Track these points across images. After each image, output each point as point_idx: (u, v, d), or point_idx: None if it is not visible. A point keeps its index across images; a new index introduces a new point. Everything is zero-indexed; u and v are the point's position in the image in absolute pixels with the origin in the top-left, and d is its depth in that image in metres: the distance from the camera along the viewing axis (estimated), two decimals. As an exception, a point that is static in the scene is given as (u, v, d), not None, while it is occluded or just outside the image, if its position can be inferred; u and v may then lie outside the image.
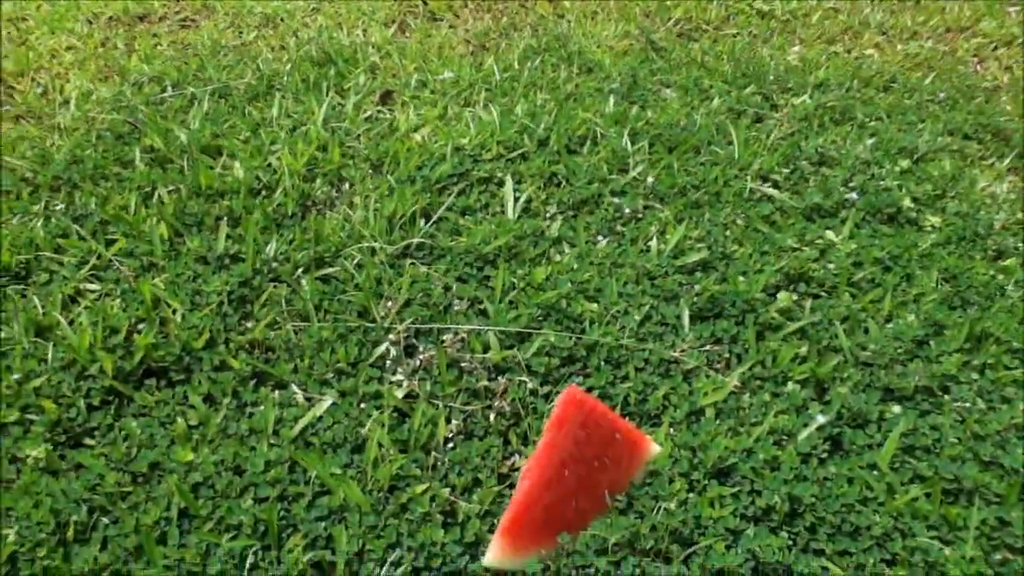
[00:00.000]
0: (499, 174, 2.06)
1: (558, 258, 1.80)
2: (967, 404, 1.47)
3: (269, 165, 2.06)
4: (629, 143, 2.17)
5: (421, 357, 1.54)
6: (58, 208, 1.87)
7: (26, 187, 1.96)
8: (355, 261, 1.76)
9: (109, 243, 1.79)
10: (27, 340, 1.53)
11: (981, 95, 2.62)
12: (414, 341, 1.58)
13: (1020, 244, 1.88)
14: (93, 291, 1.67)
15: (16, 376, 1.45)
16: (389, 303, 1.64)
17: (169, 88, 2.42)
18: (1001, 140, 2.37)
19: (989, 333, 1.62)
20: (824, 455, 1.38)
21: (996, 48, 3.03)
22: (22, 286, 1.68)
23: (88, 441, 1.40)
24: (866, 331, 1.63)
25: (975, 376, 1.53)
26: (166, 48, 2.72)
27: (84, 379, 1.47)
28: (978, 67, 2.91)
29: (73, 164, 2.03)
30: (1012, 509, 1.29)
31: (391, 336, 1.57)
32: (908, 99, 2.57)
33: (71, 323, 1.57)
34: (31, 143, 2.13)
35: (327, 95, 2.40)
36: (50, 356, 1.49)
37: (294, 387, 1.49)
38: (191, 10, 3.02)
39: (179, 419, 1.40)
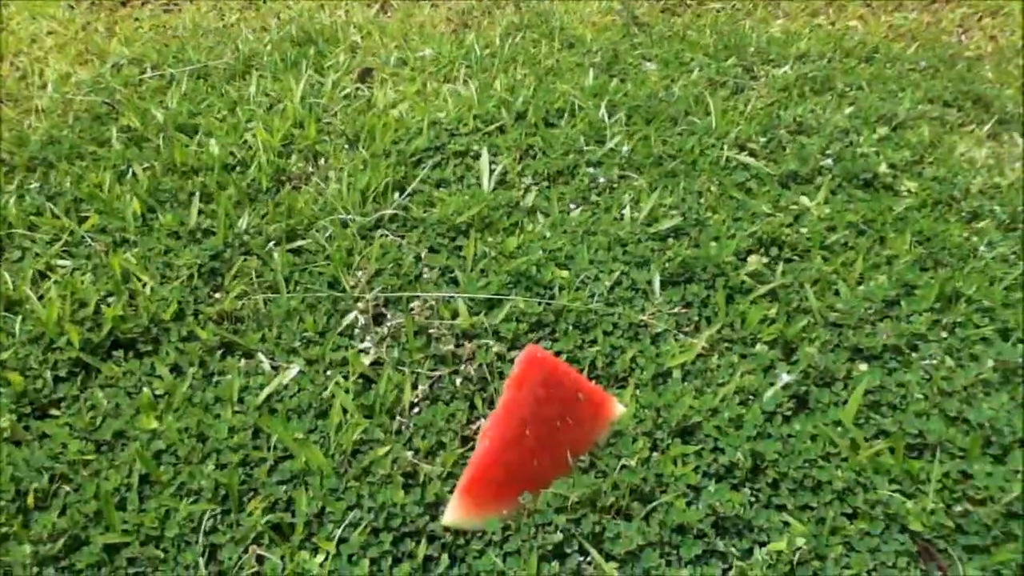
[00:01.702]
0: (475, 147, 2.05)
1: (531, 227, 1.80)
2: (935, 362, 1.46)
3: (245, 142, 2.05)
4: (607, 115, 2.17)
5: (389, 325, 1.53)
6: (33, 187, 1.87)
7: (2, 168, 1.96)
8: (327, 233, 1.76)
9: (82, 220, 1.79)
10: (-3, 315, 1.54)
11: (963, 63, 2.60)
12: (383, 310, 1.58)
13: (996, 207, 1.87)
14: (64, 267, 1.67)
15: (-15, 350, 1.46)
16: (359, 273, 1.64)
17: (149, 70, 2.42)
18: (981, 107, 2.35)
19: (960, 293, 1.61)
20: (789, 413, 1.37)
21: (981, 18, 3.01)
22: (-6, 263, 1.69)
23: (54, 412, 1.40)
24: (836, 293, 1.62)
25: (944, 335, 1.53)
26: (148, 31, 2.72)
27: (51, 351, 1.47)
28: (962, 37, 2.89)
29: (49, 144, 2.03)
30: (975, 462, 1.28)
31: (360, 305, 1.57)
32: (889, 69, 2.56)
33: (40, 298, 1.58)
34: (8, 125, 2.14)
35: (306, 73, 2.40)
36: (17, 329, 1.49)
37: (261, 356, 1.49)
38: (174, -5, 3.02)
39: (145, 389, 1.40)
